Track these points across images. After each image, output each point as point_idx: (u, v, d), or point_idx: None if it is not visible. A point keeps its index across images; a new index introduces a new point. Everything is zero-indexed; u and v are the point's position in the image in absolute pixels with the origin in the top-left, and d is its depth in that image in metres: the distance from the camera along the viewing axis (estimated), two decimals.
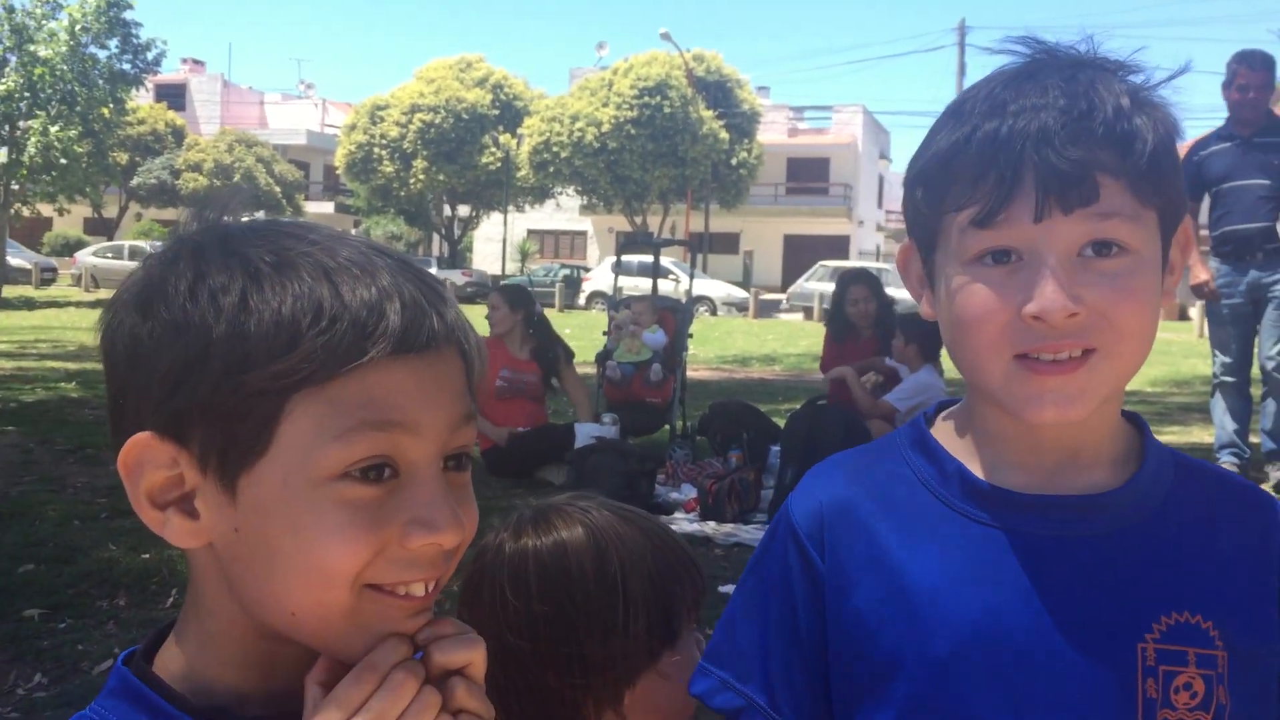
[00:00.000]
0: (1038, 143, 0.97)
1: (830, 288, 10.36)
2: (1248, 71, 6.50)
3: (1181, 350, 21.05)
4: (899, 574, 1.05)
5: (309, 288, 0.78)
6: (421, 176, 41.76)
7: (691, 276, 11.07)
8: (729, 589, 4.87)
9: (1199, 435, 9.82)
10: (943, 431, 1.14)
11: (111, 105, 27.29)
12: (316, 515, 0.78)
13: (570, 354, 7.83)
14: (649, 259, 10.33)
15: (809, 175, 50.98)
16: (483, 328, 7.70)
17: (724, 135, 39.60)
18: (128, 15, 27.08)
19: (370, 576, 0.80)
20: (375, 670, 0.80)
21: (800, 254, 46.88)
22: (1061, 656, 1.00)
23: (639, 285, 14.03)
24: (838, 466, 1.17)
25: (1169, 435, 9.71)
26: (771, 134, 47.55)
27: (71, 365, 13.09)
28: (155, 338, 0.80)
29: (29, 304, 25.82)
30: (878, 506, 1.09)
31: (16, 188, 26.59)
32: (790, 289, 36.49)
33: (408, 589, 0.82)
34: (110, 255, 35.54)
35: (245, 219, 0.88)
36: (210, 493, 0.81)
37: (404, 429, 0.79)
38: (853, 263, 36.38)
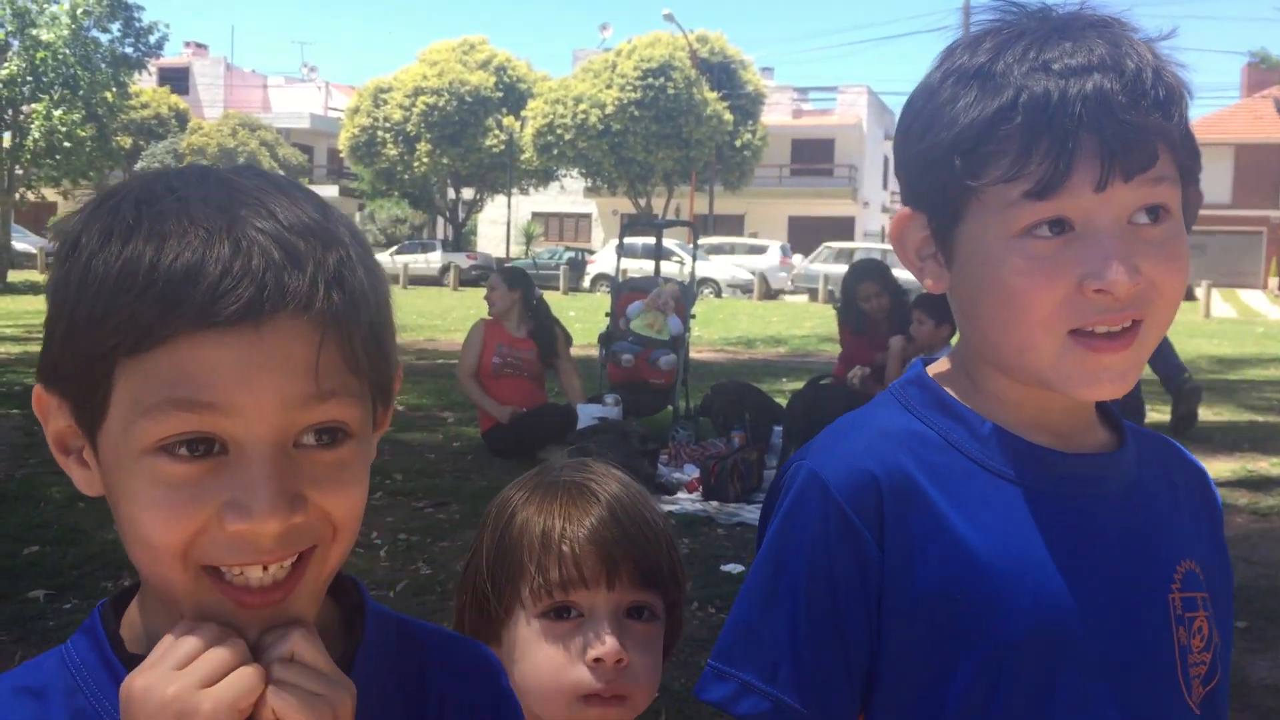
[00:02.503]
0: (1098, 107, 0.92)
1: (834, 269, 10.34)
2: None
3: (1187, 330, 20.98)
4: (964, 549, 0.99)
5: (136, 251, 0.75)
6: (425, 159, 41.67)
7: (694, 258, 11.08)
8: (731, 568, 4.88)
9: (1204, 414, 9.81)
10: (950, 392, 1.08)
11: (114, 89, 27.28)
12: (137, 487, 0.77)
13: (569, 338, 7.83)
14: (653, 241, 10.33)
15: (814, 156, 50.83)
16: (483, 310, 7.71)
17: (728, 117, 39.46)
18: None
19: (199, 557, 0.77)
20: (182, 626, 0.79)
21: (805, 235, 46.73)
22: (1119, 617, 0.99)
23: (643, 267, 14.02)
24: (857, 431, 1.07)
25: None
26: (776, 115, 47.36)
27: None
28: (49, 289, 0.81)
29: (34, 288, 25.85)
30: (924, 474, 1.01)
31: (20, 172, 26.63)
32: (795, 271, 36.44)
33: (242, 572, 0.78)
34: None
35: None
36: (87, 448, 0.82)
37: (215, 409, 0.74)
38: (858, 244, 36.32)
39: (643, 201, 41.30)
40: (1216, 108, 46.74)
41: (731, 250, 36.07)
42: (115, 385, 0.76)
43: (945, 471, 1.02)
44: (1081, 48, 0.95)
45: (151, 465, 0.76)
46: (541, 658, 1.32)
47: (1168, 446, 1.15)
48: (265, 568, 0.78)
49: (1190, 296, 34.07)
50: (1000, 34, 1.00)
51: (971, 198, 0.98)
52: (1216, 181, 42.35)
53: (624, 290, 8.97)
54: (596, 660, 1.29)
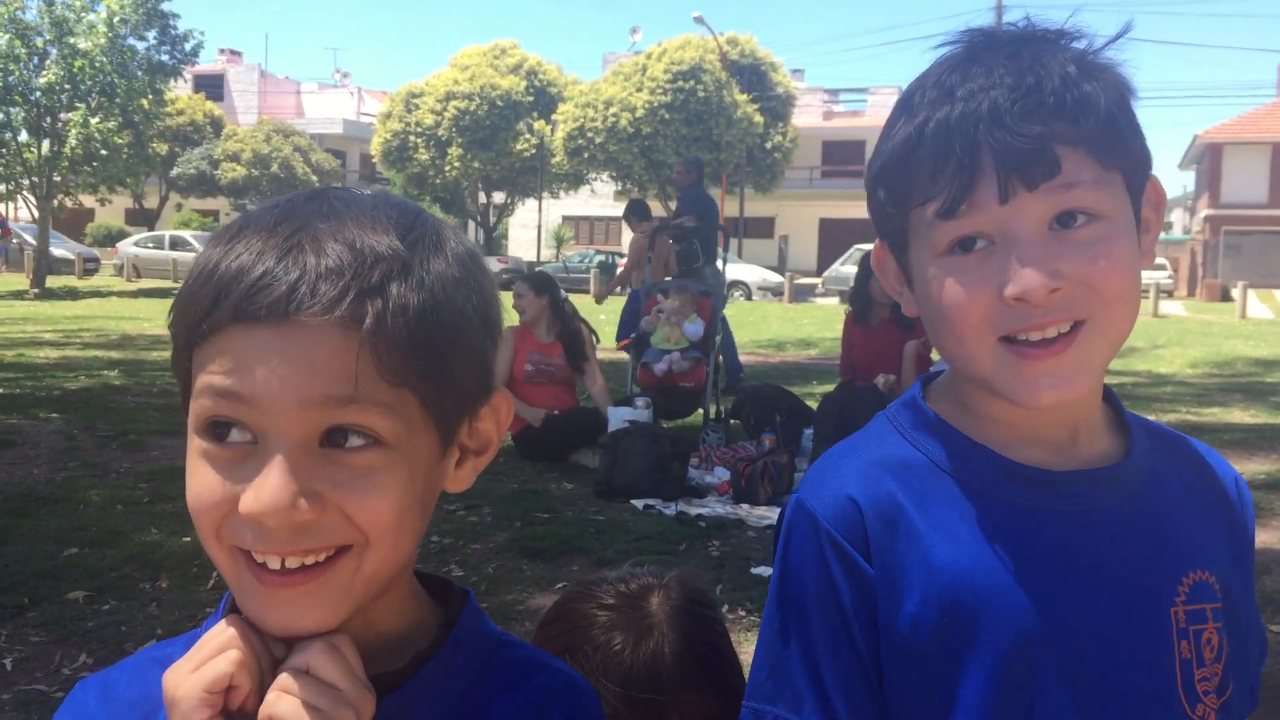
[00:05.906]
0: (990, 123, 0.96)
1: None
2: None
3: (1223, 332, 20.74)
4: (949, 572, 1.00)
5: (216, 255, 0.82)
6: (457, 164, 41.86)
7: (725, 261, 11.08)
8: (761, 570, 4.89)
9: (1239, 416, 9.72)
10: (941, 414, 1.10)
11: (150, 96, 27.55)
12: (190, 462, 0.85)
13: (596, 338, 7.87)
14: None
15: (844, 158, 50.62)
16: (513, 317, 7.75)
17: (758, 119, 39.40)
18: (165, 7, 27.38)
19: (228, 537, 0.83)
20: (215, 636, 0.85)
21: (836, 238, 46.58)
22: (1110, 634, 1.00)
23: None
24: (847, 459, 1.09)
25: (1209, 416, 9.62)
26: (806, 117, 47.25)
27: (115, 354, 13.26)
28: None
29: (73, 294, 26.18)
30: (908, 498, 1.04)
31: (59, 179, 26.94)
32: (826, 273, 36.32)
33: (263, 558, 0.82)
34: (151, 245, 35.83)
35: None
36: None
37: (240, 400, 0.80)
38: None
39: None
40: (1251, 106, 46.15)
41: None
42: (193, 369, 0.83)
43: (929, 495, 1.04)
44: (982, 69, 0.98)
45: (198, 443, 0.83)
46: None
47: (1192, 452, 1.14)
48: (283, 562, 0.82)
49: (1226, 297, 33.69)
50: (938, 66, 1.03)
51: (906, 225, 1.04)
52: (1252, 181, 41.80)
53: (653, 293, 8.99)
54: None
